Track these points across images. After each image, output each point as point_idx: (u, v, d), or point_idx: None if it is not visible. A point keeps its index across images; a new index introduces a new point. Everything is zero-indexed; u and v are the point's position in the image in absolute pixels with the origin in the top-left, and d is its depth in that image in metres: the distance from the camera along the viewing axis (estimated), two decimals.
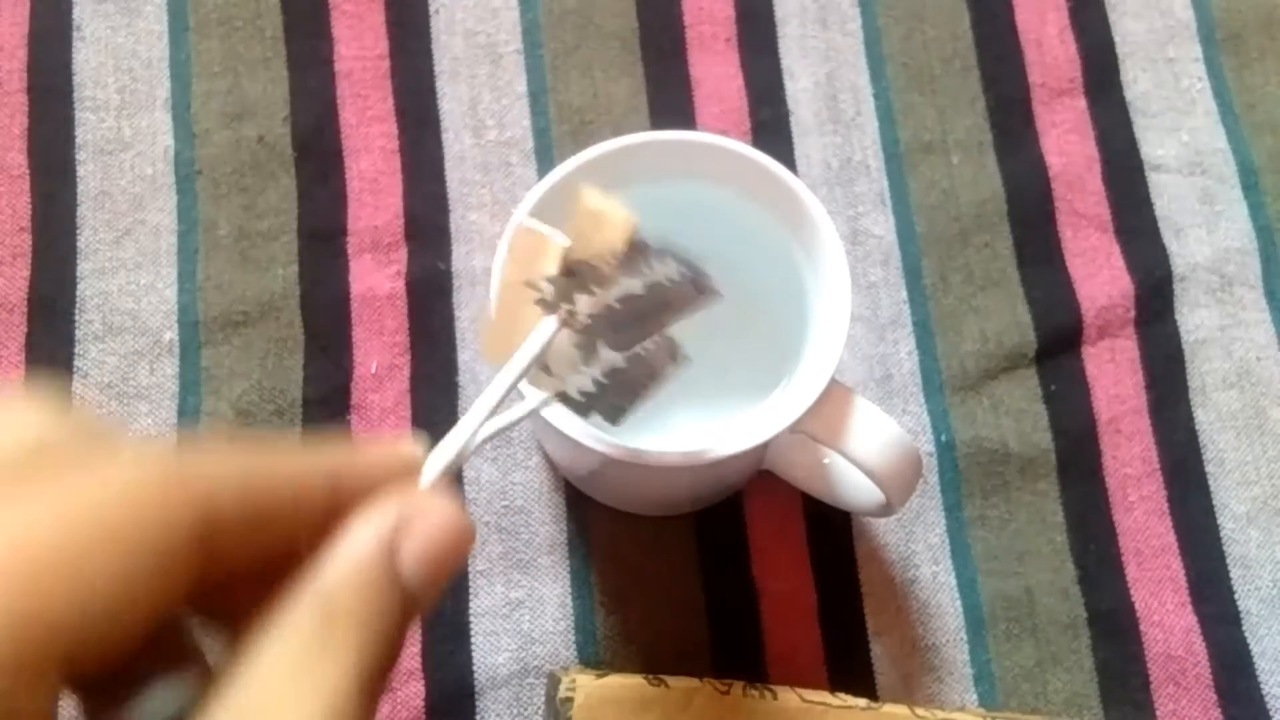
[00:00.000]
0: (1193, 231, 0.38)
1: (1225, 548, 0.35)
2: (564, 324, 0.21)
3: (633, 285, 0.21)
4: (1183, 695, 0.34)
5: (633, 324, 0.22)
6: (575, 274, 0.21)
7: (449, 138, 0.38)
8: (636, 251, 0.21)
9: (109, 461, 0.15)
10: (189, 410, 0.35)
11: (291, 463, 0.17)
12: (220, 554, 0.15)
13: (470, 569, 0.35)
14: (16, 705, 0.13)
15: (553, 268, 0.21)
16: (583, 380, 0.22)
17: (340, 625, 0.15)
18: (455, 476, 0.35)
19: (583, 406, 0.23)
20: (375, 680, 0.16)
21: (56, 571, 0.13)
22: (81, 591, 0.13)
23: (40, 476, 0.14)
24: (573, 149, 0.29)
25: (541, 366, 0.22)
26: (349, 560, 0.16)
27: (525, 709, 0.33)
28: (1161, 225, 0.38)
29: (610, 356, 0.22)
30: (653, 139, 0.29)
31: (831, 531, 0.35)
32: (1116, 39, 0.40)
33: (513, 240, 0.23)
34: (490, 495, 0.35)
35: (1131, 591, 0.35)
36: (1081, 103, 0.39)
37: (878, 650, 0.34)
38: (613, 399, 0.23)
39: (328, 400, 0.36)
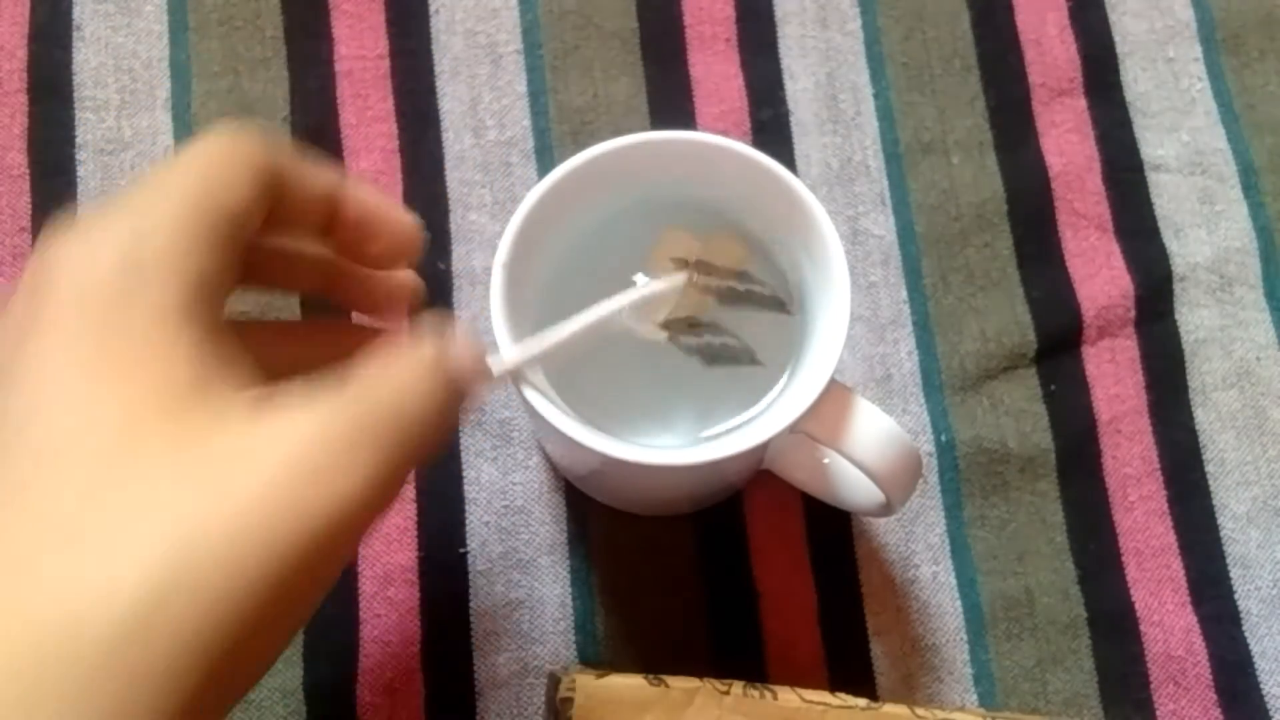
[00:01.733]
0: (1193, 231, 0.38)
1: (1225, 548, 0.35)
2: (689, 281, 0.30)
3: (737, 285, 0.31)
4: (1183, 695, 0.34)
5: (729, 301, 0.31)
6: (706, 267, 0.31)
7: (449, 138, 0.38)
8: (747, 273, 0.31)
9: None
10: None
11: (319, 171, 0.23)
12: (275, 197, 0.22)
13: (470, 569, 0.35)
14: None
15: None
16: (687, 339, 0.30)
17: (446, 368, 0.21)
18: (456, 477, 0.35)
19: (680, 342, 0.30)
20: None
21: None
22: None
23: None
24: (573, 149, 0.29)
25: (660, 322, 0.30)
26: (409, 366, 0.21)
27: (525, 709, 0.33)
28: (1161, 225, 0.38)
29: (710, 335, 0.31)
30: (653, 139, 0.29)
31: (831, 531, 0.35)
32: (1116, 39, 0.40)
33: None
34: (490, 495, 0.35)
35: (1131, 591, 0.35)
36: (1081, 103, 0.39)
37: (878, 650, 0.34)
38: (703, 356, 0.31)
39: None
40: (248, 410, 0.18)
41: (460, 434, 0.36)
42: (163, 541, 0.16)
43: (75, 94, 0.38)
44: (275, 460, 0.17)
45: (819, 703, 0.30)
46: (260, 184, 0.21)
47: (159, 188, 0.20)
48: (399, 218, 0.25)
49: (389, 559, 0.34)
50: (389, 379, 0.20)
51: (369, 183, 0.25)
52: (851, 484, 0.31)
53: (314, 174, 0.23)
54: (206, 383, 0.18)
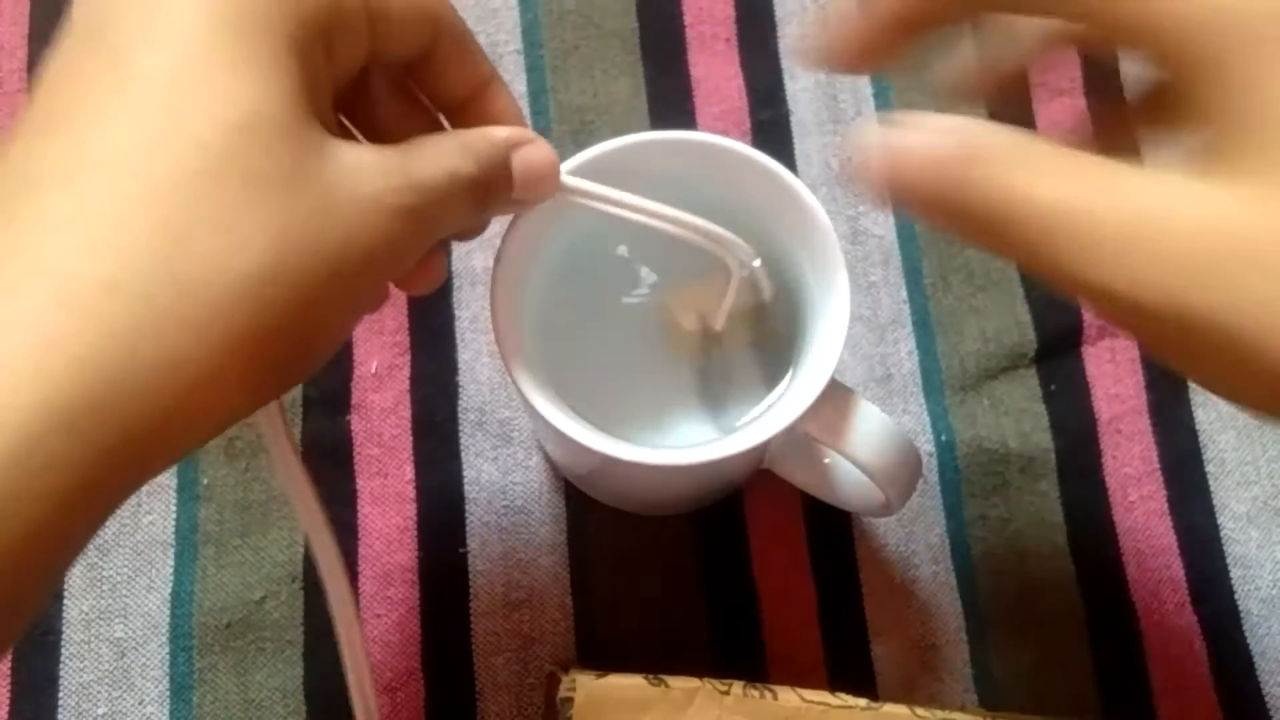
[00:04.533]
0: None
1: (1225, 548, 0.35)
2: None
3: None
4: (1183, 695, 0.34)
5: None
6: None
7: None
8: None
9: None
10: None
11: None
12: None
13: (470, 569, 0.35)
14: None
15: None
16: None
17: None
18: (456, 477, 0.35)
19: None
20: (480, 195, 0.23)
21: None
22: None
23: None
24: (573, 149, 0.29)
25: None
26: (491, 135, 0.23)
27: (525, 709, 0.33)
28: None
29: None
30: (653, 139, 0.29)
31: (831, 531, 0.35)
32: None
33: None
34: (490, 495, 0.35)
35: (1131, 591, 0.35)
36: (1082, 102, 0.39)
37: (878, 650, 0.34)
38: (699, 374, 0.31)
39: (328, 400, 0.36)
40: (337, 159, 0.20)
41: (460, 434, 0.36)
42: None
43: None
44: (355, 214, 0.20)
45: (819, 703, 0.30)
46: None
47: None
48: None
49: (389, 559, 0.34)
50: (449, 144, 0.22)
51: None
52: (851, 484, 0.31)
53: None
54: (311, 124, 0.20)
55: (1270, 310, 0.15)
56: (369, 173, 0.20)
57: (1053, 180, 0.17)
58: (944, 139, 0.18)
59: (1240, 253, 0.16)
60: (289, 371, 0.20)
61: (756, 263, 0.29)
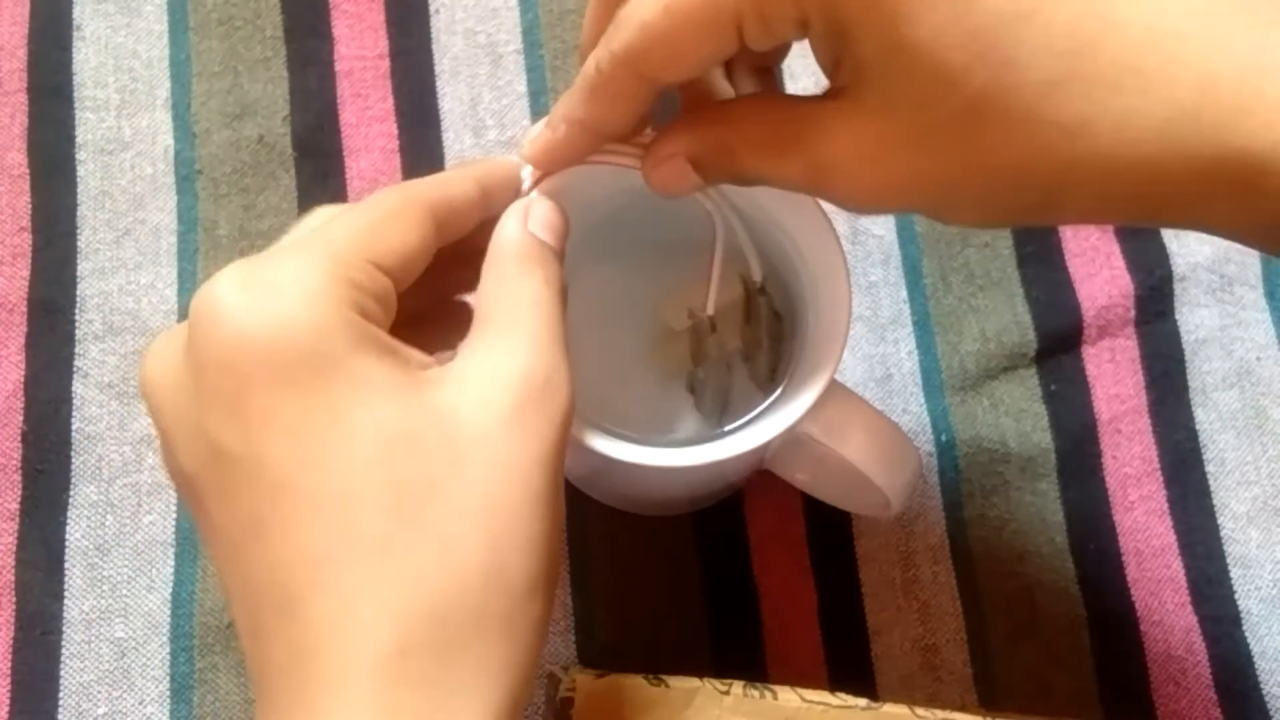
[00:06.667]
0: (1193, 231, 0.38)
1: (1225, 548, 0.35)
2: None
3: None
4: (1183, 695, 0.34)
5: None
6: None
7: (449, 138, 0.38)
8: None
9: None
10: None
11: (469, 183, 0.26)
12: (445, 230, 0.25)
13: None
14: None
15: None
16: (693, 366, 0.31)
17: (529, 256, 0.25)
18: None
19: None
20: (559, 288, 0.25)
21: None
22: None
23: None
24: None
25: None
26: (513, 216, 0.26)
27: (525, 709, 0.33)
28: None
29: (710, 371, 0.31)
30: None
31: (831, 531, 0.35)
32: None
33: None
34: None
35: (1131, 591, 0.35)
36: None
37: (878, 650, 0.34)
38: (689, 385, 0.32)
39: None
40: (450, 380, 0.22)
41: None
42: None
43: (75, 94, 0.38)
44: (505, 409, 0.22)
45: (819, 703, 0.30)
46: (427, 236, 0.24)
47: (328, 245, 0.24)
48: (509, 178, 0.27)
49: None
50: (513, 300, 0.24)
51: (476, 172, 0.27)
52: (851, 484, 0.31)
53: (468, 210, 0.25)
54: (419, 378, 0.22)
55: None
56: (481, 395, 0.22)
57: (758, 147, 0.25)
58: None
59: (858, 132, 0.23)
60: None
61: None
